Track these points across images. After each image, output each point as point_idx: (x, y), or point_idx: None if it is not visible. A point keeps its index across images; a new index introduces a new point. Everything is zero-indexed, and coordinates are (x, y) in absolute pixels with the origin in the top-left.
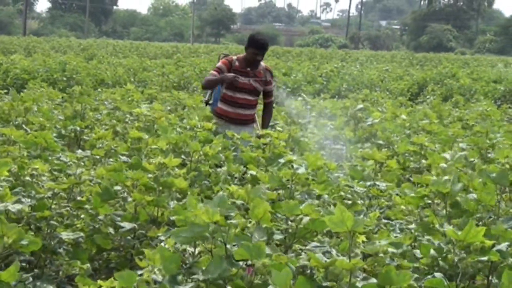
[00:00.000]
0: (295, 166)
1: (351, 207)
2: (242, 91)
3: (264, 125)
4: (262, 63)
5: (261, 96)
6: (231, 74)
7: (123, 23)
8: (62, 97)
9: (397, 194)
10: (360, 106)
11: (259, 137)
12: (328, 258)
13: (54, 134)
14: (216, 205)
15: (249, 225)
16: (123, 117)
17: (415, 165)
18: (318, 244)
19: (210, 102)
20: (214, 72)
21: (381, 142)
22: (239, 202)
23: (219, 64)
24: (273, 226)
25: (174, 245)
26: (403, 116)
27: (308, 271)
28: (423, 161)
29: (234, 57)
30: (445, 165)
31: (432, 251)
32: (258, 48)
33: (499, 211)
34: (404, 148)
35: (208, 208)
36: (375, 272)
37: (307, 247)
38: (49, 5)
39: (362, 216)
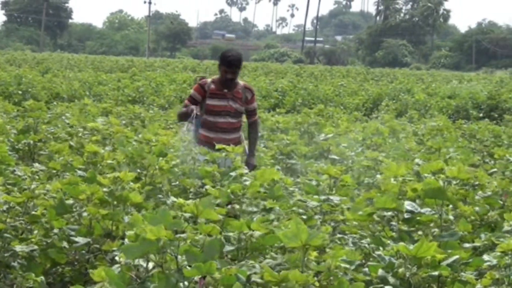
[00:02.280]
0: (245, 179)
1: (305, 221)
2: (223, 114)
3: (251, 150)
4: (241, 82)
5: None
6: (191, 107)
7: (78, 36)
8: (18, 111)
9: (348, 209)
10: (313, 121)
11: (249, 168)
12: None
13: (8, 147)
14: (159, 219)
15: (199, 237)
16: (77, 131)
17: (369, 180)
18: (271, 260)
19: (193, 128)
20: (187, 102)
21: (335, 157)
22: (186, 215)
23: (192, 91)
24: (223, 236)
25: (127, 260)
26: (357, 131)
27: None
28: (378, 176)
29: (209, 80)
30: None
31: (380, 271)
32: (228, 65)
33: (441, 223)
34: (360, 163)
35: (152, 227)
36: (330, 287)
37: (261, 263)
38: (4, 18)
39: (315, 230)
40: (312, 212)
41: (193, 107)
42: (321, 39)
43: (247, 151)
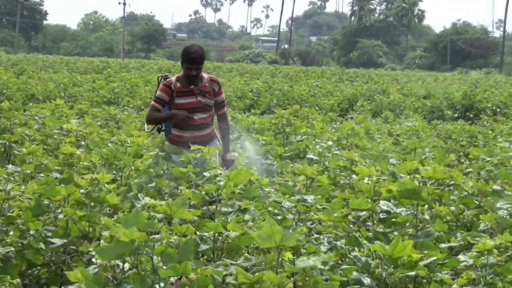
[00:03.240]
0: (219, 179)
1: (280, 222)
2: (194, 111)
3: (226, 144)
4: (206, 75)
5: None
6: (182, 113)
7: (53, 38)
8: None
9: (324, 208)
10: (289, 121)
11: (227, 164)
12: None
13: None
14: (132, 221)
15: (174, 237)
16: (52, 133)
17: (345, 181)
18: (246, 260)
19: (163, 129)
20: (156, 105)
21: (312, 157)
22: (159, 215)
23: (158, 92)
24: (198, 236)
25: (103, 261)
26: (332, 132)
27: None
28: (354, 176)
29: (173, 78)
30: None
31: (355, 273)
32: (190, 62)
33: (417, 224)
34: (335, 163)
35: (124, 229)
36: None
37: (236, 262)
38: None
39: (290, 231)
40: (288, 212)
41: (188, 115)
42: (274, 39)
43: (220, 145)
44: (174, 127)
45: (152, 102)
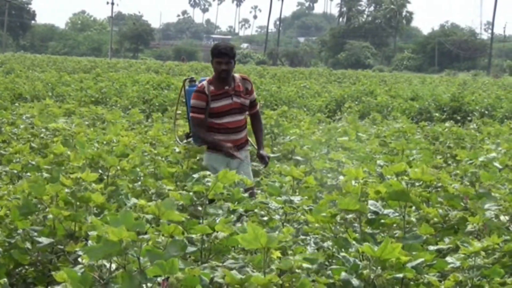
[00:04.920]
0: (207, 180)
1: (267, 223)
2: (230, 113)
3: (260, 141)
4: (237, 75)
5: None
6: (227, 146)
7: (41, 37)
8: None
9: (310, 209)
10: (276, 122)
11: (265, 160)
12: (243, 275)
13: None
14: (121, 221)
15: (162, 238)
16: (40, 132)
17: (332, 182)
18: (233, 261)
19: (191, 135)
20: (198, 116)
21: (299, 158)
22: (148, 216)
23: (193, 101)
24: (186, 238)
25: (90, 261)
26: (319, 133)
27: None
28: (341, 177)
29: (205, 83)
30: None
31: (343, 274)
32: (219, 55)
33: (404, 226)
34: (321, 164)
35: (113, 228)
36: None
37: (223, 264)
38: None
39: (277, 232)
40: (274, 213)
41: (227, 148)
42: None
43: (253, 145)
44: (209, 131)
45: (191, 114)
